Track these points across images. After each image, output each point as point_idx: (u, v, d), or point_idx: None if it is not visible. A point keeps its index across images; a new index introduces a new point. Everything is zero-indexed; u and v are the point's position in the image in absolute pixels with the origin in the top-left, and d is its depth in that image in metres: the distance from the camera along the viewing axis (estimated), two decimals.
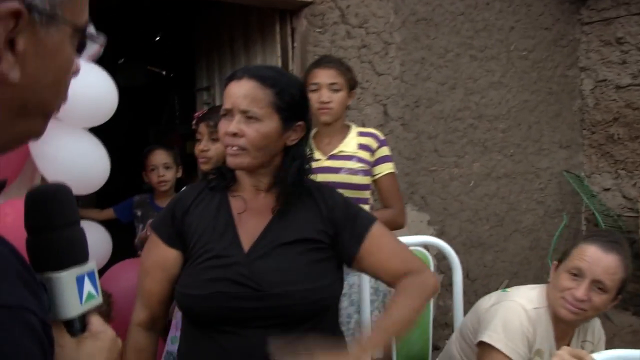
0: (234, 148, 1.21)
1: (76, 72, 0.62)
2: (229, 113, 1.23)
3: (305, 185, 1.29)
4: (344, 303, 1.92)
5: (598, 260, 1.44)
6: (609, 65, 3.80)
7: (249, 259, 1.21)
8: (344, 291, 1.77)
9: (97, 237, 2.06)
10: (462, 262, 3.28)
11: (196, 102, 4.24)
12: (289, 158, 1.28)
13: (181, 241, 1.28)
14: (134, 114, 5.51)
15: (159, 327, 1.36)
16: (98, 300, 0.72)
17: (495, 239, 3.47)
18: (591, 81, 3.90)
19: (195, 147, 1.94)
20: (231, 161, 1.24)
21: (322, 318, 1.25)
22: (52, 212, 0.69)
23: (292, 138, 1.27)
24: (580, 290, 1.43)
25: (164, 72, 7.07)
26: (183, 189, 1.57)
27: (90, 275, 0.71)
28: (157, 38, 6.02)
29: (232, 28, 3.56)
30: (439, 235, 3.19)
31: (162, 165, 2.46)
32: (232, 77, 1.25)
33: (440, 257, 2.64)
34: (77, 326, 0.70)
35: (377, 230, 1.32)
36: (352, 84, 2.07)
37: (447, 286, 3.25)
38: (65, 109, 1.78)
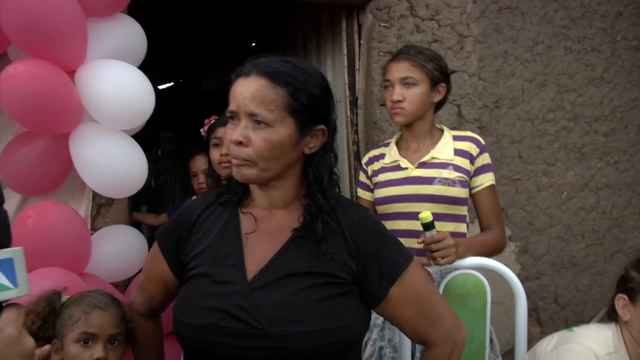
0: (239, 159, 1.03)
1: None
2: (235, 116, 1.04)
3: (330, 202, 1.08)
4: (373, 334, 1.66)
5: None
6: None
7: (251, 289, 1.02)
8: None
9: (132, 241, 1.99)
10: (550, 285, 2.89)
11: None
12: (310, 169, 1.08)
13: (182, 261, 1.14)
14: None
15: (159, 313, 1.33)
16: (14, 292, 0.64)
17: (593, 260, 2.98)
18: None
19: (212, 154, 1.80)
20: (236, 173, 1.06)
21: None
22: None
23: (312, 145, 1.07)
24: None
25: None
26: (193, 198, 1.42)
27: (5, 264, 0.63)
28: (254, 44, 6.13)
29: (305, 27, 3.44)
30: (522, 252, 2.80)
31: (201, 172, 2.36)
32: (239, 73, 1.05)
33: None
34: None
35: (412, 273, 1.09)
36: (435, 77, 1.73)
37: (530, 312, 2.85)
38: (100, 111, 1.71)
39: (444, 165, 1.71)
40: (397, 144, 1.84)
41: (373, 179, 1.84)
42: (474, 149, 1.73)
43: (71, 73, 1.86)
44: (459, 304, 1.58)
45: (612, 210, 3.06)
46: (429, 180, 1.70)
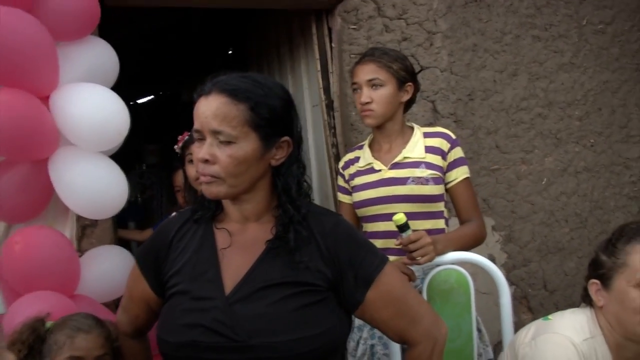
0: (208, 177, 1.05)
1: None
2: (200, 135, 1.06)
3: (301, 212, 1.10)
4: (364, 333, 1.69)
5: None
6: None
7: (229, 303, 1.05)
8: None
9: (121, 261, 2.00)
10: (538, 271, 2.94)
11: None
12: (278, 181, 1.11)
13: (161, 280, 1.17)
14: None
15: (145, 332, 1.34)
16: None
17: (578, 243, 3.04)
18: None
19: (188, 170, 1.81)
20: (206, 191, 1.08)
21: None
22: None
23: (278, 157, 1.10)
24: None
25: None
26: (172, 215, 1.45)
27: None
28: (230, 52, 6.15)
29: (278, 33, 3.46)
30: (507, 241, 2.85)
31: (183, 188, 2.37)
32: (200, 92, 1.07)
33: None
34: None
35: (387, 275, 1.12)
36: (401, 77, 1.75)
37: (520, 299, 2.90)
38: (76, 134, 1.73)
39: (416, 164, 1.73)
40: (370, 145, 1.87)
41: (350, 182, 1.87)
42: (444, 145, 1.76)
43: (45, 99, 1.87)
44: (443, 299, 1.62)
45: (593, 192, 3.11)
46: (402, 181, 1.72)
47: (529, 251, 2.90)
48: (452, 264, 1.61)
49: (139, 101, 7.30)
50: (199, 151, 1.06)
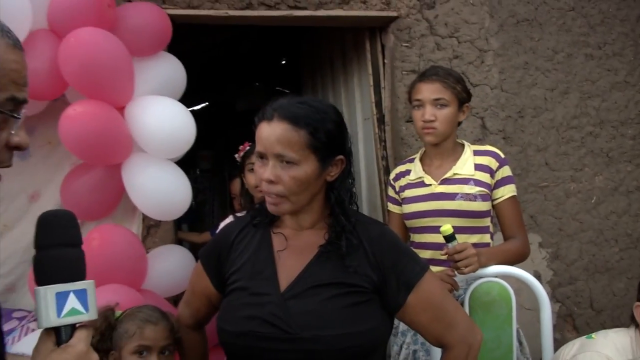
0: (272, 196, 1.16)
1: (19, 146, 0.80)
2: (264, 156, 1.17)
3: (351, 221, 1.21)
4: (407, 338, 1.77)
5: None
6: None
7: (284, 299, 1.17)
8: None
9: (182, 259, 2.16)
10: (585, 290, 2.92)
11: None
12: (332, 194, 1.22)
13: (222, 277, 1.29)
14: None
15: (204, 325, 1.46)
16: (86, 316, 0.79)
17: (628, 264, 2.99)
18: None
19: (248, 178, 1.94)
20: (271, 209, 1.19)
21: None
22: (39, 234, 0.79)
23: (333, 174, 1.20)
24: None
25: (286, 91, 7.42)
26: (230, 221, 1.57)
27: (79, 293, 0.78)
28: (284, 62, 6.34)
29: (332, 49, 3.58)
30: (553, 259, 2.85)
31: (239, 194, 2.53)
32: (262, 117, 1.17)
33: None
34: (63, 337, 0.78)
35: (427, 282, 1.21)
36: (462, 98, 1.83)
37: (565, 317, 2.89)
38: (148, 143, 1.92)
39: (465, 181, 1.80)
40: (421, 159, 1.94)
41: (400, 194, 1.95)
42: (493, 163, 1.82)
43: (121, 109, 2.06)
44: (485, 310, 1.68)
45: None
46: (451, 196, 1.79)
47: (576, 269, 2.89)
48: (495, 277, 1.67)
49: (194, 108, 7.63)
50: (263, 172, 1.16)
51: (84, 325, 0.80)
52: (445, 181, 1.83)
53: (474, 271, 1.59)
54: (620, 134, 3.00)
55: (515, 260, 1.75)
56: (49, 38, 1.95)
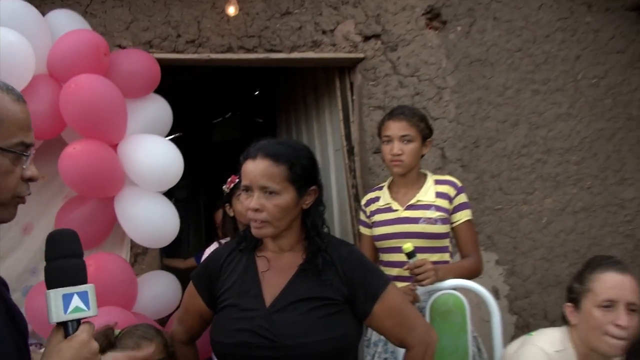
0: (257, 222, 1.37)
1: (32, 178, 1.01)
2: (249, 189, 1.38)
3: (325, 242, 1.42)
4: (379, 348, 1.99)
5: (622, 283, 1.45)
6: None
7: (269, 313, 1.37)
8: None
9: (169, 285, 2.34)
10: (539, 303, 3.20)
11: None
12: (307, 220, 1.43)
13: (214, 296, 1.48)
14: (229, 165, 5.97)
15: (196, 339, 1.63)
16: (87, 313, 0.97)
17: None
18: None
19: (237, 206, 2.14)
20: (256, 233, 1.40)
21: None
22: (48, 249, 0.98)
23: (308, 202, 1.42)
24: (622, 319, 1.44)
25: (260, 120, 7.61)
26: (216, 247, 1.77)
27: (82, 294, 0.97)
28: (257, 92, 6.58)
29: (305, 84, 3.85)
30: (510, 275, 3.12)
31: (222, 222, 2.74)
32: (247, 156, 1.40)
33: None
34: (70, 331, 0.96)
35: (390, 293, 1.43)
36: (425, 134, 2.07)
37: (523, 328, 3.15)
38: (140, 177, 2.12)
39: (427, 207, 2.05)
40: (389, 187, 2.18)
41: (371, 218, 2.18)
42: (451, 191, 2.07)
43: (114, 146, 2.26)
44: (443, 319, 1.92)
45: (590, 230, 3.39)
46: (415, 220, 2.03)
47: (531, 284, 3.17)
48: (450, 289, 1.91)
49: (169, 137, 7.78)
50: (249, 202, 1.37)
51: (87, 322, 0.98)
52: (410, 207, 2.07)
53: (431, 284, 1.84)
54: (566, 160, 3.34)
55: (469, 275, 2.00)
56: (49, 83, 2.14)
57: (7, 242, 2.49)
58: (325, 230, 1.47)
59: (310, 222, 1.43)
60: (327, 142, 3.46)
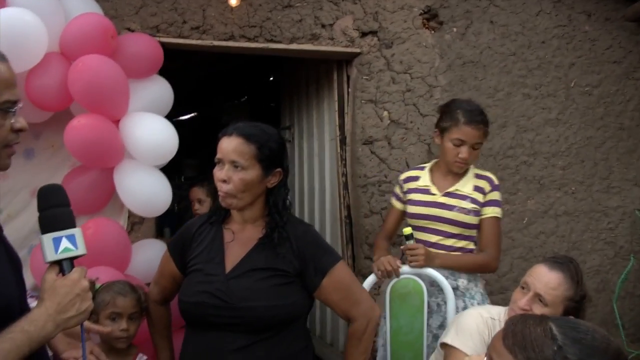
0: (223, 192, 1.55)
1: (22, 128, 1.14)
2: (221, 162, 1.56)
3: (283, 219, 1.59)
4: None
5: (541, 275, 1.59)
6: None
7: (227, 278, 1.55)
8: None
9: (159, 251, 2.52)
10: None
11: None
12: (270, 198, 1.61)
13: (185, 262, 1.67)
14: None
15: (169, 301, 1.82)
16: (75, 252, 1.13)
17: None
18: None
19: None
20: (222, 202, 1.58)
21: (284, 328, 1.54)
22: (39, 202, 1.16)
23: (272, 182, 1.59)
24: (523, 301, 1.58)
25: (273, 105, 7.80)
26: (192, 220, 1.96)
27: (70, 237, 1.14)
28: (271, 78, 6.77)
29: (308, 74, 4.00)
30: None
31: (196, 201, 2.97)
32: (224, 133, 1.58)
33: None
34: (65, 269, 1.13)
35: (339, 269, 1.60)
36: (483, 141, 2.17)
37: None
38: (138, 151, 2.32)
39: (463, 197, 2.16)
40: (431, 170, 2.29)
41: (406, 195, 2.31)
42: (487, 187, 2.19)
43: (116, 122, 2.45)
44: (401, 301, 2.08)
45: (571, 235, 3.50)
46: (450, 207, 2.16)
47: (507, 280, 3.31)
48: (411, 274, 2.08)
49: (183, 117, 8.00)
50: (220, 174, 1.54)
51: (80, 266, 1.15)
52: (448, 194, 2.19)
53: (419, 267, 2.03)
54: (552, 164, 3.45)
55: (477, 269, 2.16)
56: (60, 60, 2.34)
57: (17, 203, 2.70)
58: (287, 211, 1.63)
59: (272, 201, 1.60)
60: (324, 131, 3.62)
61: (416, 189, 2.28)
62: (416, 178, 2.31)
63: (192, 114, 7.95)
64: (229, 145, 1.53)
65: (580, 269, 1.66)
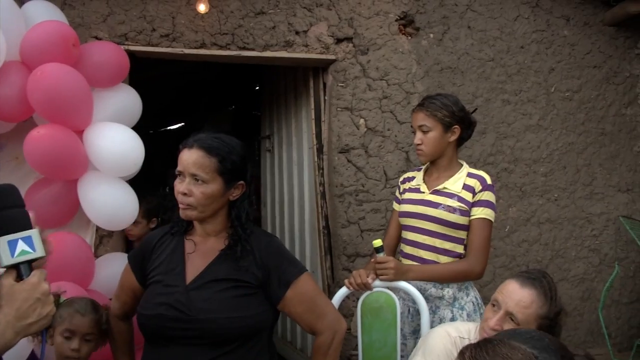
0: (184, 205, 1.49)
1: None
2: (181, 174, 1.50)
3: (247, 232, 1.53)
4: None
5: (512, 293, 1.51)
6: None
7: (187, 290, 1.48)
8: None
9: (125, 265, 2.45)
10: None
11: (260, 147, 4.68)
12: (232, 210, 1.55)
13: (145, 274, 1.60)
14: None
15: (131, 316, 1.75)
16: (33, 255, 1.06)
17: None
18: None
19: None
20: (182, 214, 1.52)
21: (246, 342, 1.48)
22: None
23: (235, 194, 1.54)
24: (493, 320, 1.50)
25: (258, 114, 7.75)
26: (154, 231, 1.90)
27: (26, 239, 1.06)
28: (257, 87, 6.73)
29: (286, 82, 3.95)
30: None
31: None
32: (185, 145, 1.52)
33: None
34: (22, 274, 1.05)
35: (303, 281, 1.54)
36: (447, 122, 2.06)
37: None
38: (101, 163, 2.23)
39: (451, 195, 2.07)
40: (425, 170, 2.24)
41: (402, 195, 2.25)
42: (477, 186, 2.07)
43: (80, 133, 2.37)
44: (374, 315, 2.00)
45: (554, 242, 3.44)
46: (435, 205, 2.08)
47: (489, 290, 3.23)
48: (383, 288, 2.00)
49: (170, 127, 7.93)
50: (180, 186, 1.49)
51: (39, 269, 1.07)
52: (435, 192, 2.11)
53: (389, 280, 1.96)
54: (533, 171, 3.39)
55: (453, 278, 2.03)
56: (20, 69, 2.26)
57: None
58: (250, 224, 1.57)
59: (234, 213, 1.54)
60: (302, 140, 3.55)
61: (409, 188, 2.24)
62: (412, 178, 2.28)
63: (179, 124, 7.89)
64: (190, 158, 1.47)
65: (554, 284, 1.58)
